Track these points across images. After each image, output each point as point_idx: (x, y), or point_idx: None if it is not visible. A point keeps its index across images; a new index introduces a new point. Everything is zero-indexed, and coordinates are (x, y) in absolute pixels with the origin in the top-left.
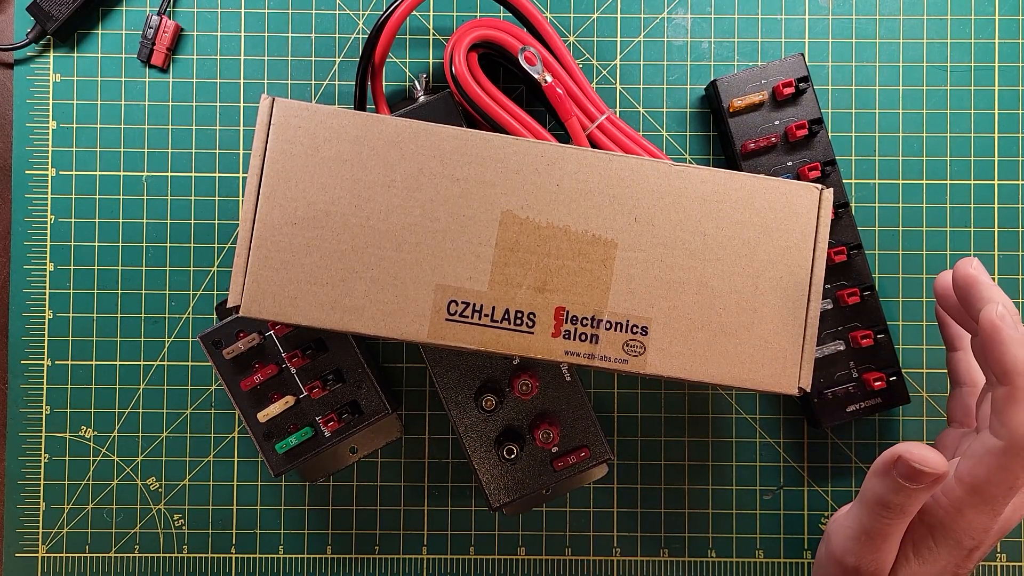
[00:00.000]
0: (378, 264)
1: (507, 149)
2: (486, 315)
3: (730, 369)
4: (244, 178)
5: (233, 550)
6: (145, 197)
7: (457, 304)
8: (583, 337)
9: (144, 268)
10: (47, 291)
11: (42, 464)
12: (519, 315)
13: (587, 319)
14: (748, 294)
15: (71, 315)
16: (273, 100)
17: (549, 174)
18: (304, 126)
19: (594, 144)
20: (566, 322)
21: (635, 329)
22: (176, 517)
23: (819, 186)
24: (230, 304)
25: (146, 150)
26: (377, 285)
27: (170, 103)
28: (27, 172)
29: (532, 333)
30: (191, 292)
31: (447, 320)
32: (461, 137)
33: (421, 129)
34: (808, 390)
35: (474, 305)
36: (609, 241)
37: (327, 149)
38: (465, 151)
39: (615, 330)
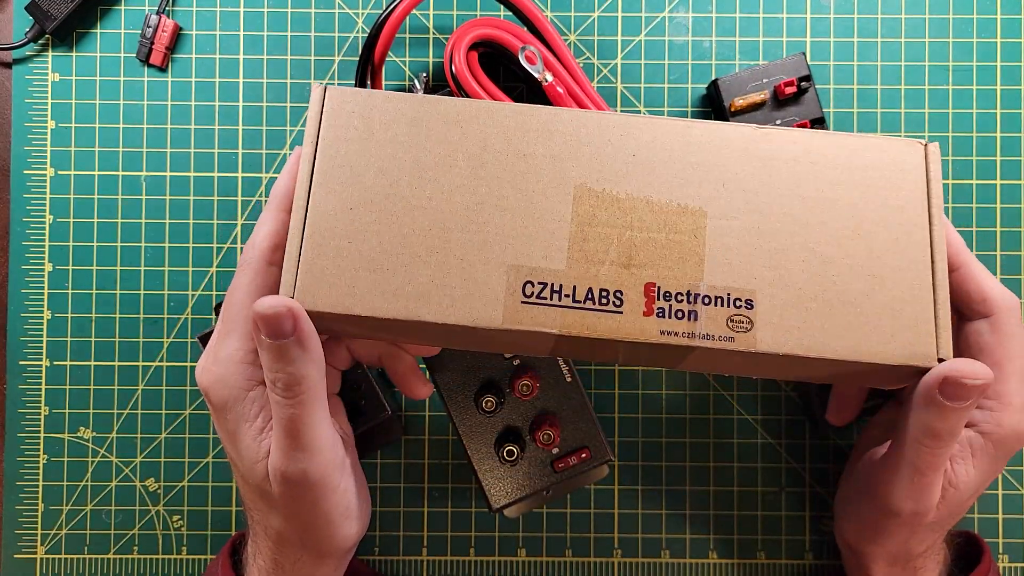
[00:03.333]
0: (444, 247)
1: (575, 122)
2: (567, 295)
3: (855, 342)
4: (243, 178)
5: None
6: (144, 197)
7: (534, 285)
8: (679, 314)
9: (143, 268)
10: (45, 291)
11: (40, 465)
12: (604, 294)
13: (682, 294)
14: (863, 258)
15: (69, 315)
16: (325, 88)
17: (623, 145)
18: (358, 111)
19: None
20: (658, 299)
21: (738, 303)
22: (175, 518)
23: (923, 141)
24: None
25: (145, 150)
26: (443, 269)
27: (169, 103)
28: (25, 172)
29: (621, 313)
30: (190, 292)
31: (523, 303)
32: (526, 112)
33: (482, 107)
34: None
35: (552, 285)
36: (697, 210)
37: (383, 132)
38: (531, 126)
39: (715, 304)
